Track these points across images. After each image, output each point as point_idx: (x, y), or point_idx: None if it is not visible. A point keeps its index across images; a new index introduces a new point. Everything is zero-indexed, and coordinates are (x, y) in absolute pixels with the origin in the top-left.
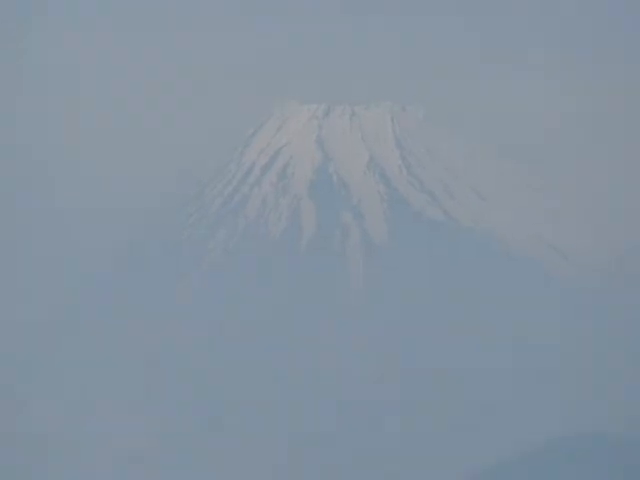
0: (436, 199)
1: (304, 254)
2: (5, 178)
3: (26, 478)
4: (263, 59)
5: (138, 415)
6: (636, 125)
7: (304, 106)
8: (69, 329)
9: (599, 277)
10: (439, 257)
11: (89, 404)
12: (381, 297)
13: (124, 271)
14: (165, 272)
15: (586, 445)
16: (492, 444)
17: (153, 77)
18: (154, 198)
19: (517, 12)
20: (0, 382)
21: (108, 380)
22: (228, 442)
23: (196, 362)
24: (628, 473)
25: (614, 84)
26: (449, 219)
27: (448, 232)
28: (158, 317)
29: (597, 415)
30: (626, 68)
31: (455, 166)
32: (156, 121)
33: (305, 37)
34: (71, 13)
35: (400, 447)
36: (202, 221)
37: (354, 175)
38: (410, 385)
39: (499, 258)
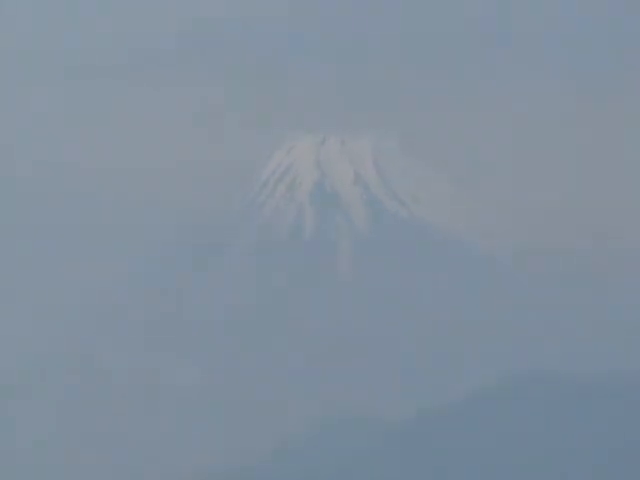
0: (405, 204)
1: (307, 245)
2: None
3: None
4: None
5: None
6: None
7: (306, 136)
8: None
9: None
10: (409, 247)
11: None
12: (365, 276)
13: (162, 268)
14: (196, 261)
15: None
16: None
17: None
18: (190, 204)
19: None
20: None
21: None
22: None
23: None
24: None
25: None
26: (414, 218)
27: (414, 228)
28: (182, 302)
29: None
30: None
31: (419, 181)
32: (186, 151)
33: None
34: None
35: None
36: (228, 222)
37: (344, 188)
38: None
39: (452, 246)
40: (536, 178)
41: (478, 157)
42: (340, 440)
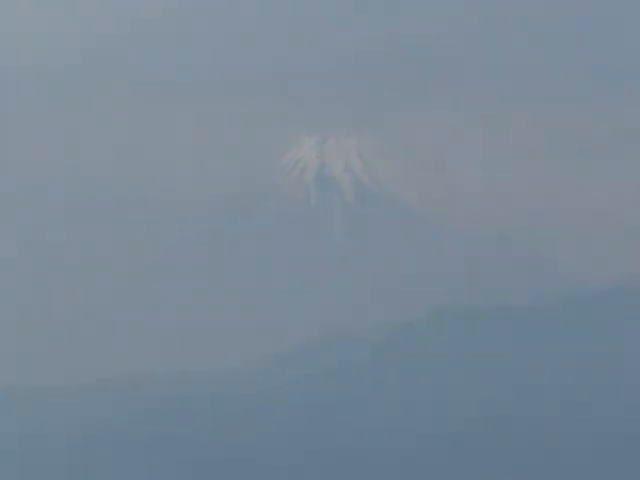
0: (381, 185)
1: (312, 211)
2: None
3: None
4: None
5: None
6: None
7: (311, 136)
8: None
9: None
10: (383, 215)
11: None
12: (351, 233)
13: (210, 226)
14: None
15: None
16: None
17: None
18: (224, 191)
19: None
20: None
21: None
22: None
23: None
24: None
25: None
26: (388, 195)
27: (387, 202)
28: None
29: None
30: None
31: (392, 168)
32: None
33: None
34: None
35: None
36: (257, 195)
37: (337, 172)
38: None
39: (413, 215)
40: (491, 165)
41: (444, 151)
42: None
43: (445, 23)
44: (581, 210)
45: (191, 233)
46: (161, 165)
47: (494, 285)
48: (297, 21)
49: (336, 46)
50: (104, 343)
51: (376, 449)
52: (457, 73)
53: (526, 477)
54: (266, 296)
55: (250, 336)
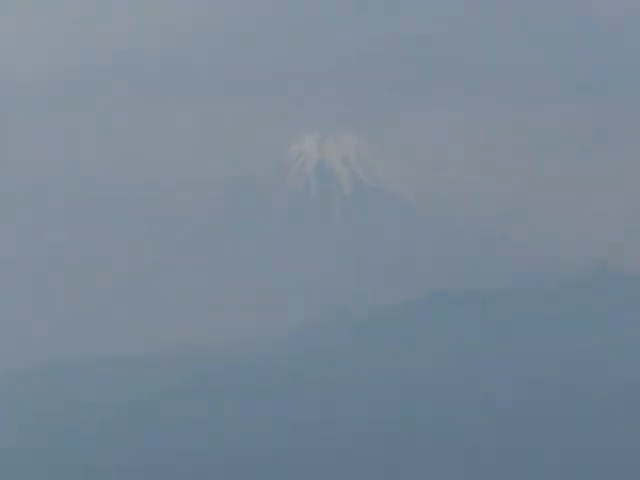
0: (374, 177)
1: (312, 200)
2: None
3: None
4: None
5: None
6: None
7: (312, 133)
8: None
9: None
10: (375, 204)
11: None
12: (347, 219)
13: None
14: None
15: None
16: None
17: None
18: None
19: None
20: None
21: None
22: None
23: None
24: None
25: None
26: (380, 186)
27: (379, 192)
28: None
29: None
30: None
31: (384, 162)
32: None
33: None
34: None
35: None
36: (261, 186)
37: (335, 165)
38: None
39: (400, 203)
40: (483, 159)
41: (439, 148)
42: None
43: (445, 23)
44: (572, 203)
45: (201, 218)
46: (166, 160)
47: (485, 270)
48: (297, 21)
49: (336, 46)
50: (115, 332)
51: (372, 431)
52: (455, 73)
53: (526, 458)
54: (269, 279)
55: (254, 317)
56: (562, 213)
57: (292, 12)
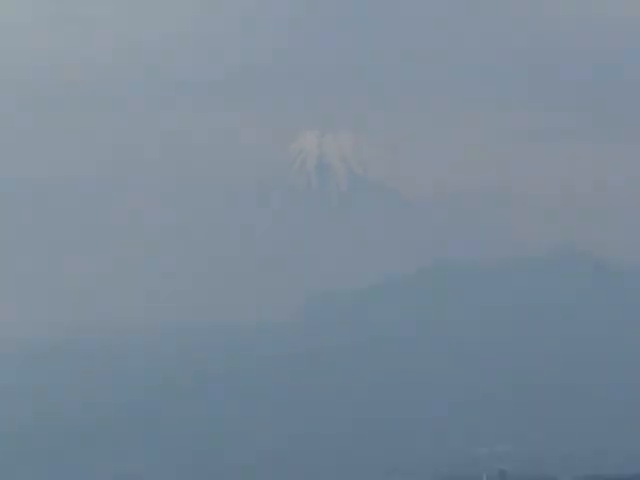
0: (367, 170)
1: (313, 192)
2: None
3: None
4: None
5: None
6: None
7: (312, 131)
8: None
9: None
10: (368, 193)
11: None
12: (344, 207)
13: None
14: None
15: None
16: None
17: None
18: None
19: None
20: None
21: None
22: None
23: None
24: None
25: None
26: (372, 178)
27: (370, 183)
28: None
29: None
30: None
31: (376, 157)
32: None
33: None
34: None
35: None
36: (266, 179)
37: (333, 160)
38: None
39: (389, 192)
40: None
41: (423, 144)
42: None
43: (440, 30)
44: (543, 189)
45: (220, 210)
46: (187, 155)
47: (463, 249)
48: (300, 26)
49: (336, 52)
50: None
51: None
52: (436, 80)
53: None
54: (275, 261)
55: (263, 293)
56: (532, 200)
57: (296, 14)
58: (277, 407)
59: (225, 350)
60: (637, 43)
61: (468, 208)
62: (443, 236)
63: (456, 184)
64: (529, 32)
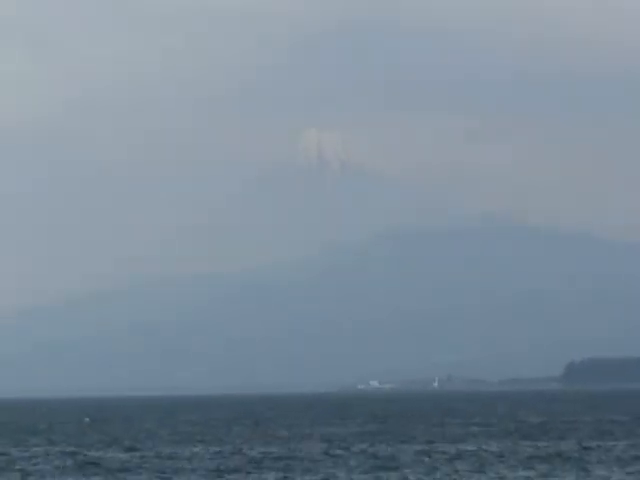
0: (357, 160)
1: (312, 174)
2: None
3: None
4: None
5: None
6: None
7: (312, 129)
8: None
9: None
10: (359, 179)
11: None
12: (338, 186)
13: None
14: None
15: None
16: None
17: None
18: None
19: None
20: None
21: None
22: None
23: None
24: None
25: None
26: (363, 167)
27: (361, 171)
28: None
29: None
30: None
31: (365, 151)
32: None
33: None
34: None
35: None
36: (273, 171)
37: (331, 152)
38: None
39: (379, 179)
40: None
41: (402, 141)
42: None
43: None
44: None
45: (247, 187)
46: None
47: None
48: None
49: (335, 68)
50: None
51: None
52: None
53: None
54: (284, 227)
55: (271, 246)
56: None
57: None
58: None
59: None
60: None
61: (424, 185)
62: (407, 206)
63: (415, 169)
64: None
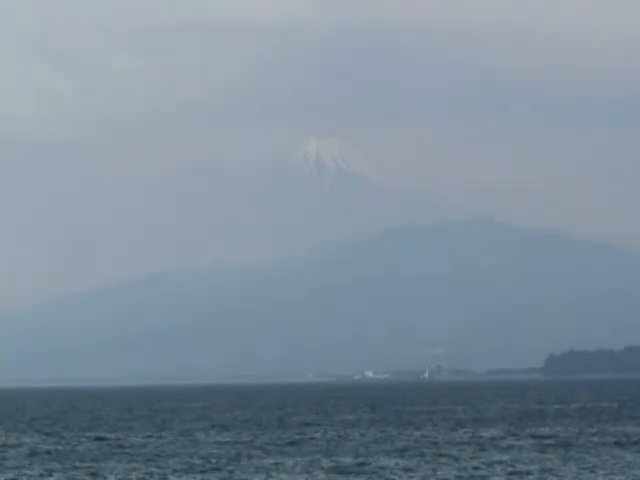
0: (348, 163)
1: (311, 177)
2: None
3: None
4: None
5: None
6: None
7: (312, 138)
8: None
9: None
10: (351, 180)
11: None
12: (333, 185)
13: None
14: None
15: None
16: None
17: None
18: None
19: None
20: None
21: None
22: None
23: None
24: None
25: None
26: (354, 170)
27: (353, 174)
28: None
29: None
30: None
31: (357, 155)
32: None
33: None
34: None
35: None
36: (275, 174)
37: (327, 158)
38: None
39: (365, 181)
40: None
41: (388, 147)
42: None
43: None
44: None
45: (251, 189)
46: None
47: (407, 213)
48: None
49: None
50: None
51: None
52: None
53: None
54: (282, 228)
55: (271, 241)
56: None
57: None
58: None
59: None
60: None
61: (415, 185)
62: (397, 206)
63: (406, 174)
64: None
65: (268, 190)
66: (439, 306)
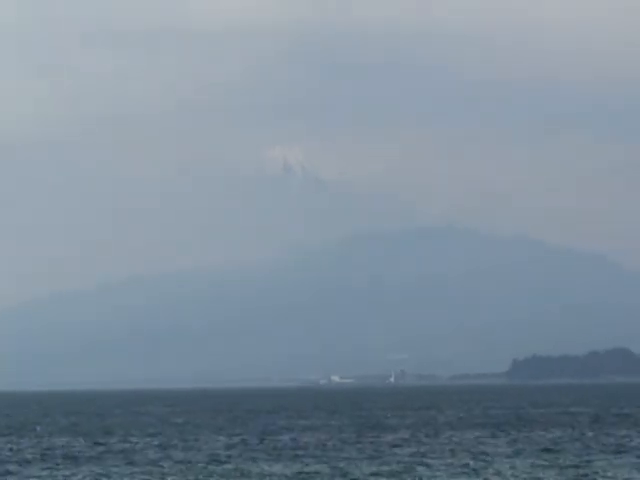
0: (316, 169)
1: (293, 179)
2: None
3: None
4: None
5: None
6: None
7: (291, 143)
8: None
9: None
10: (331, 183)
11: None
12: (312, 188)
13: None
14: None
15: None
16: None
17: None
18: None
19: None
20: None
21: None
22: None
23: None
24: None
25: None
26: (319, 174)
27: (319, 178)
28: None
29: None
30: None
31: (331, 160)
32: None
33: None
34: None
35: None
36: (252, 180)
37: (317, 162)
38: None
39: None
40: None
41: (354, 154)
42: None
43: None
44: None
45: (224, 193)
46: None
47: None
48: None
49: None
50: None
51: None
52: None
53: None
54: (255, 221)
55: (263, 239)
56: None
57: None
58: None
59: None
60: None
61: (387, 189)
62: (363, 208)
63: (371, 175)
64: None
65: (247, 193)
66: (406, 312)
